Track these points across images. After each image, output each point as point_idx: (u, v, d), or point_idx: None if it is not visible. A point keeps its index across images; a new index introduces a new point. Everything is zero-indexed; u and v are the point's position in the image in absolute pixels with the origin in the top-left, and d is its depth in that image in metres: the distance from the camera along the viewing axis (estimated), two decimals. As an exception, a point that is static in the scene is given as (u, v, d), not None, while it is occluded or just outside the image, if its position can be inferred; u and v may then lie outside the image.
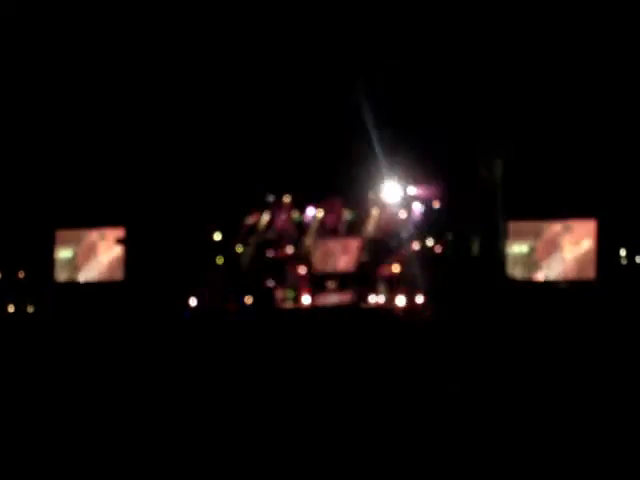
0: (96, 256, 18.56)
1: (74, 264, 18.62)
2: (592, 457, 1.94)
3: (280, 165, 16.97)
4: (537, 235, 16.63)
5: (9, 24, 13.47)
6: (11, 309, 16.79)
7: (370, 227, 18.57)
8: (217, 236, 18.06)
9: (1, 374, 7.58)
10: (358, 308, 17.01)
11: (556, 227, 16.61)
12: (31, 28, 13.74)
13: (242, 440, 4.72)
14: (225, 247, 18.38)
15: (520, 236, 16.61)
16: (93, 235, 18.63)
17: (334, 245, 18.70)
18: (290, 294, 17.78)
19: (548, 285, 15.77)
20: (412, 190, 17.86)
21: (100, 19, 13.65)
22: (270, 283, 18.27)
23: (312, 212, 18.72)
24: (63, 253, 18.74)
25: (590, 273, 15.97)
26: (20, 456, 4.52)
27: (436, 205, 17.53)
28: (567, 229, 16.41)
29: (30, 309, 16.89)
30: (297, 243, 18.79)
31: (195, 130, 16.42)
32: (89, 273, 18.59)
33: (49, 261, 18.40)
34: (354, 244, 18.50)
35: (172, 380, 6.92)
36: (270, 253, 18.57)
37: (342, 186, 17.99)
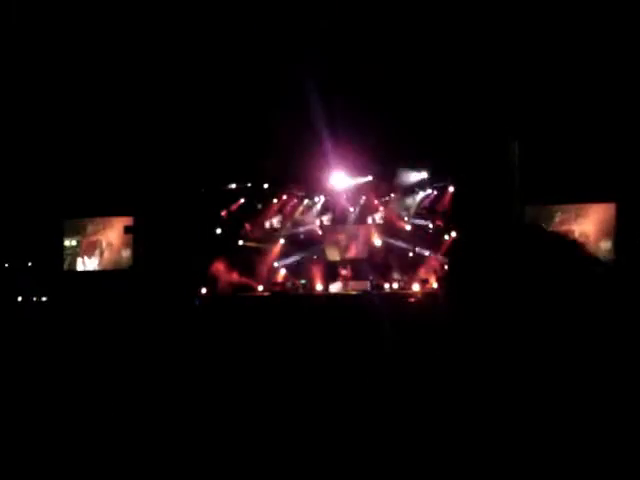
0: (102, 245, 18.59)
1: (79, 252, 18.68)
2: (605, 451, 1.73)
3: (289, 154, 16.87)
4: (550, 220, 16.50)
5: (9, 24, 13.35)
6: (20, 298, 16.72)
7: (383, 213, 18.46)
8: (219, 230, 18.05)
9: (11, 363, 7.49)
10: (373, 294, 16.82)
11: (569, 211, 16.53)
12: (33, 21, 13.62)
13: (255, 428, 4.56)
14: (235, 237, 18.34)
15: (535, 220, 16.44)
16: (99, 224, 18.68)
17: (347, 233, 18.60)
18: (304, 282, 17.68)
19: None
20: (426, 175, 17.71)
21: (95, 13, 13.51)
22: (283, 271, 18.24)
23: (323, 200, 18.66)
24: (68, 242, 18.79)
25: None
26: (30, 439, 4.41)
27: (450, 190, 17.37)
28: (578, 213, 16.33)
29: (39, 298, 16.81)
30: (309, 231, 18.76)
31: (204, 118, 16.30)
32: (96, 262, 18.61)
33: (57, 250, 18.44)
34: (367, 231, 18.39)
35: (183, 367, 6.76)
36: (281, 241, 18.54)
37: (354, 173, 17.91)
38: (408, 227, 17.94)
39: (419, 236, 17.65)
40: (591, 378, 1.74)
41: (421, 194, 18.00)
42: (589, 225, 16.26)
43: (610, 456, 1.65)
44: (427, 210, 17.88)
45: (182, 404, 5.36)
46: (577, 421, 1.71)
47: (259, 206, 18.74)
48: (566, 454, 1.67)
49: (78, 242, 18.67)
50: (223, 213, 18.29)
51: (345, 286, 17.45)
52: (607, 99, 14.32)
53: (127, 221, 18.30)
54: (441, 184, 17.52)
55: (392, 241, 17.88)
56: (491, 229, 1.87)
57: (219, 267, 17.30)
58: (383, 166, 17.39)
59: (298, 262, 18.27)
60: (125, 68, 15.07)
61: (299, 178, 18.19)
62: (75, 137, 16.71)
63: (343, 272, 17.71)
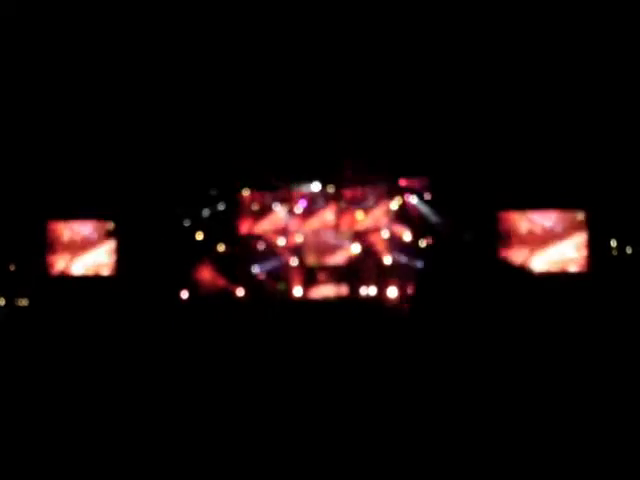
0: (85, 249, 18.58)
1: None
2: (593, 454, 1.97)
3: (273, 157, 17.03)
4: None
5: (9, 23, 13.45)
6: (2, 302, 16.76)
7: (362, 219, 18.63)
8: (199, 236, 18.15)
9: None
10: (350, 300, 17.09)
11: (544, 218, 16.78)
12: (26, 24, 13.73)
13: (242, 433, 4.74)
14: (215, 240, 18.44)
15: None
16: (82, 228, 18.68)
17: (325, 238, 18.75)
18: (282, 286, 17.88)
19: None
20: (402, 181, 17.94)
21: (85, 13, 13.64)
22: (262, 276, 18.39)
23: (304, 204, 18.79)
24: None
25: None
26: (17, 453, 4.52)
27: (427, 196, 17.60)
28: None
29: (22, 302, 16.86)
30: (288, 235, 18.89)
31: (187, 121, 16.43)
32: (79, 266, 18.61)
33: (41, 254, 18.41)
34: (346, 237, 18.56)
35: (167, 373, 6.91)
36: (261, 245, 18.66)
37: (334, 177, 18.09)
38: (387, 234, 18.14)
39: (396, 243, 17.87)
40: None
41: (398, 201, 18.20)
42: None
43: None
44: (405, 217, 18.09)
45: (166, 408, 5.49)
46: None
47: (239, 210, 18.85)
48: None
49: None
50: (204, 216, 18.40)
51: (323, 291, 17.69)
52: (579, 106, 14.64)
53: (109, 225, 18.36)
54: (417, 190, 17.76)
55: (370, 248, 18.11)
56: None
57: (200, 271, 17.48)
58: (362, 171, 17.62)
59: (277, 267, 18.44)
60: (105, 74, 15.20)
61: (280, 182, 18.36)
62: (61, 138, 16.77)
63: (321, 277, 17.93)
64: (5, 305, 16.75)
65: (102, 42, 14.28)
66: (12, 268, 17.87)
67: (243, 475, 4.14)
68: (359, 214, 18.51)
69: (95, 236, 18.39)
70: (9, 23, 13.56)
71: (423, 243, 17.29)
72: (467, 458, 2.09)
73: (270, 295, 17.82)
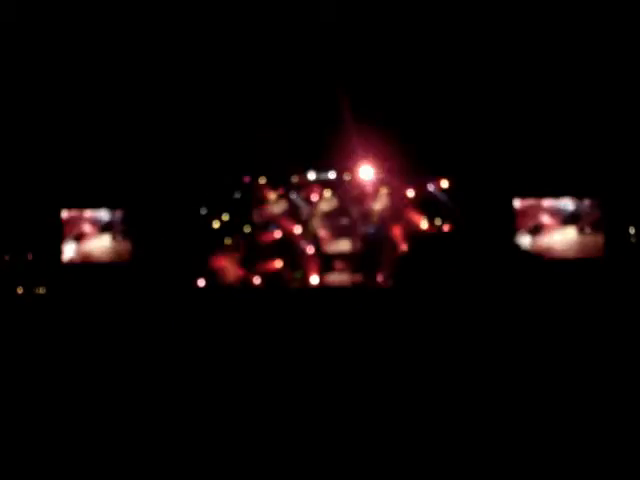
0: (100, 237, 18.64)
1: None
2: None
3: (285, 147, 17.02)
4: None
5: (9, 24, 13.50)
6: (20, 291, 16.86)
7: (377, 208, 18.62)
8: (216, 224, 18.15)
9: (12, 356, 7.62)
10: (366, 288, 17.10)
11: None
12: (30, 21, 13.79)
13: (250, 425, 4.76)
14: (231, 227, 18.45)
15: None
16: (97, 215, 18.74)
17: (341, 225, 18.74)
18: (298, 274, 17.90)
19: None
20: (416, 172, 17.91)
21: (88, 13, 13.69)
22: (278, 263, 18.39)
23: (320, 192, 18.79)
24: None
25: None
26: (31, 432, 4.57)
27: (444, 184, 17.57)
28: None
29: (40, 290, 16.96)
30: (304, 223, 18.89)
31: (203, 109, 16.45)
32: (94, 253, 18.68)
33: (56, 242, 18.48)
34: (362, 225, 18.55)
35: (181, 363, 6.94)
36: (277, 233, 18.66)
37: (347, 167, 18.07)
38: (401, 222, 18.12)
39: (412, 230, 17.84)
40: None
41: (412, 192, 18.17)
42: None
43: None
44: (422, 205, 18.06)
45: (179, 398, 5.53)
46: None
47: (255, 200, 18.85)
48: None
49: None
50: (221, 204, 18.41)
51: (341, 279, 17.70)
52: (593, 97, 14.58)
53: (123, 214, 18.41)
54: (433, 181, 17.73)
55: (386, 235, 18.10)
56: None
57: (216, 259, 17.52)
58: (381, 164, 17.62)
59: (293, 255, 18.45)
60: (113, 68, 15.24)
61: (296, 172, 18.38)
62: (74, 128, 16.83)
63: (339, 265, 17.94)
64: (23, 293, 16.85)
65: (111, 35, 14.30)
66: (29, 257, 17.96)
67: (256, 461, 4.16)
68: (376, 202, 18.52)
69: (110, 224, 18.45)
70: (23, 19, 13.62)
71: (440, 230, 17.25)
72: (473, 453, 2.10)
73: (287, 283, 17.85)
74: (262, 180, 18.58)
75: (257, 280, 17.90)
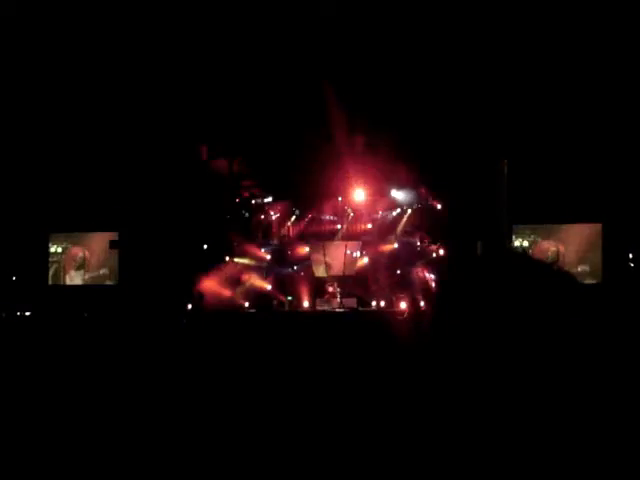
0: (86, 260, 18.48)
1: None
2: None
3: (278, 169, 16.89)
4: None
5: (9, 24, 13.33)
6: (4, 313, 16.57)
7: (371, 230, 18.45)
8: (204, 247, 17.87)
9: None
10: (359, 312, 16.76)
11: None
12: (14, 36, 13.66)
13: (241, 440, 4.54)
14: (221, 252, 18.19)
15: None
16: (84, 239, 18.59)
17: (334, 249, 18.51)
18: (290, 298, 17.55)
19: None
20: (413, 193, 17.73)
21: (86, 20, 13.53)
22: (269, 287, 18.08)
23: (311, 216, 18.61)
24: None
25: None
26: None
27: (438, 207, 17.37)
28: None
29: (23, 313, 16.68)
30: (296, 247, 18.68)
31: (190, 134, 16.33)
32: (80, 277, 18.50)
33: (42, 264, 18.29)
34: (355, 248, 18.32)
35: (170, 384, 6.70)
36: (268, 257, 18.43)
37: (342, 190, 17.88)
38: (395, 245, 17.92)
39: (407, 254, 17.60)
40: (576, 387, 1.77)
41: (408, 212, 18.00)
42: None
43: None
44: (414, 228, 17.88)
45: (169, 421, 5.31)
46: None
47: (245, 222, 18.64)
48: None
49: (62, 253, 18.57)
50: (209, 228, 18.16)
51: (332, 303, 17.33)
52: (593, 121, 14.44)
53: (112, 236, 18.16)
54: (427, 202, 17.56)
55: (379, 258, 17.83)
56: (480, 254, 1.90)
57: (205, 283, 17.17)
58: (372, 184, 17.44)
59: (284, 278, 18.16)
60: (107, 85, 15.07)
61: (288, 194, 18.17)
62: (61, 151, 16.65)
63: (330, 289, 17.61)
64: (8, 315, 16.55)
65: (105, 49, 14.14)
66: (14, 279, 17.74)
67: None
68: (370, 224, 18.36)
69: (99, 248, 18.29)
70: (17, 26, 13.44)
71: (437, 253, 17.05)
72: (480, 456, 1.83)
73: (277, 307, 17.53)
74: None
75: (246, 304, 17.58)
